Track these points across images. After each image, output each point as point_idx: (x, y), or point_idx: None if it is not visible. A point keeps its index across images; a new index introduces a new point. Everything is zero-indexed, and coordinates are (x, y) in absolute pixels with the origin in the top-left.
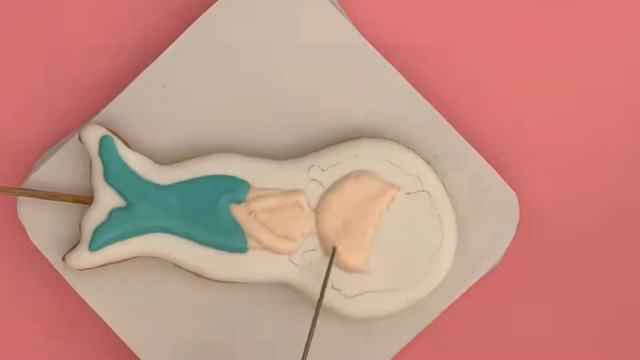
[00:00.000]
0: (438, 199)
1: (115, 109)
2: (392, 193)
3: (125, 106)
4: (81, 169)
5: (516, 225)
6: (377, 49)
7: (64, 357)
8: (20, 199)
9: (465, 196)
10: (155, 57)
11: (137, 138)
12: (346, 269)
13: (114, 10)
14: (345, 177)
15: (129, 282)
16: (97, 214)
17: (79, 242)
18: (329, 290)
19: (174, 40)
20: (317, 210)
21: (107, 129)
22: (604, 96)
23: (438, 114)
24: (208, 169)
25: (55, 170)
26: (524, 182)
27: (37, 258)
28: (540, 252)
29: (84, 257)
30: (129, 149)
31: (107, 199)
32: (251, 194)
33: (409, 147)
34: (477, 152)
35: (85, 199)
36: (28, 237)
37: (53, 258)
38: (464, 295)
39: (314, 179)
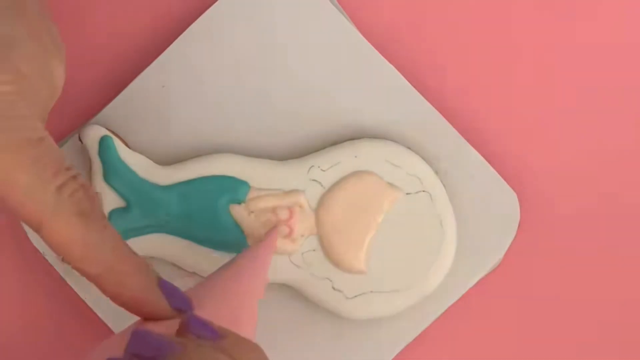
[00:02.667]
0: (438, 199)
1: (115, 109)
2: (395, 195)
3: (125, 106)
4: (81, 169)
5: (516, 225)
6: (377, 49)
7: (64, 358)
8: None
9: (465, 196)
10: (155, 57)
11: (137, 138)
12: (347, 269)
13: (114, 10)
14: (346, 178)
15: None
16: None
17: None
18: (329, 290)
19: (174, 40)
20: (317, 211)
21: (107, 129)
22: (606, 96)
23: (438, 114)
24: (208, 169)
25: None
26: (524, 182)
27: (37, 259)
28: (540, 252)
29: None
30: (128, 149)
31: (107, 199)
32: (251, 194)
33: (409, 148)
34: (477, 152)
35: None
36: (28, 238)
37: (53, 259)
38: (464, 296)
39: (314, 179)
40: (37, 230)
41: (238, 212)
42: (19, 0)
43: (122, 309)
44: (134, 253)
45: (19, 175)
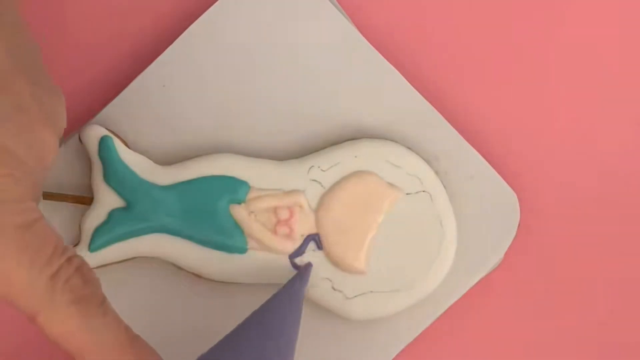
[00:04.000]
0: (438, 200)
1: (115, 109)
2: (395, 195)
3: (125, 106)
4: (81, 169)
5: (516, 225)
6: (377, 49)
7: (63, 357)
8: None
9: (465, 196)
10: (155, 57)
11: (137, 138)
12: (347, 269)
13: (114, 10)
14: (346, 178)
15: (129, 282)
16: (96, 215)
17: (78, 242)
18: (329, 290)
19: (174, 40)
20: (317, 211)
21: (107, 129)
22: (606, 97)
23: (438, 114)
24: (208, 169)
25: (55, 170)
26: (524, 182)
27: None
28: (540, 252)
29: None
30: (128, 149)
31: (107, 200)
32: (251, 195)
33: (409, 148)
34: (477, 152)
35: (85, 199)
36: None
37: None
38: (464, 296)
39: (314, 180)
40: (32, 321)
41: (238, 212)
42: (3, 71)
43: (121, 308)
44: (137, 338)
45: (10, 266)
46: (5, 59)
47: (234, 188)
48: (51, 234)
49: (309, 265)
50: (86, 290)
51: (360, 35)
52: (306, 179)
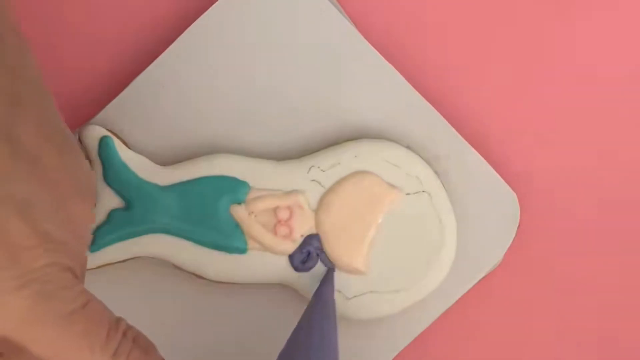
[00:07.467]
0: (438, 200)
1: (115, 109)
2: (394, 195)
3: (125, 106)
4: None
5: (516, 225)
6: (377, 49)
7: None
8: None
9: (465, 196)
10: (155, 57)
11: (137, 138)
12: (347, 269)
13: (114, 10)
14: (346, 178)
15: (129, 282)
16: (96, 215)
17: None
18: None
19: (173, 40)
20: (317, 211)
21: (107, 129)
22: (606, 97)
23: (438, 114)
24: (208, 169)
25: None
26: (524, 182)
27: None
28: (540, 252)
29: None
30: (128, 150)
31: (107, 200)
32: (251, 195)
33: (409, 148)
34: (477, 152)
35: None
36: None
37: None
38: (464, 296)
39: (314, 180)
40: None
41: (238, 212)
42: (28, 149)
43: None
44: None
45: (71, 355)
46: (34, 138)
47: (234, 188)
48: (103, 311)
49: (331, 271)
50: (148, 359)
51: (360, 35)
52: (306, 179)
